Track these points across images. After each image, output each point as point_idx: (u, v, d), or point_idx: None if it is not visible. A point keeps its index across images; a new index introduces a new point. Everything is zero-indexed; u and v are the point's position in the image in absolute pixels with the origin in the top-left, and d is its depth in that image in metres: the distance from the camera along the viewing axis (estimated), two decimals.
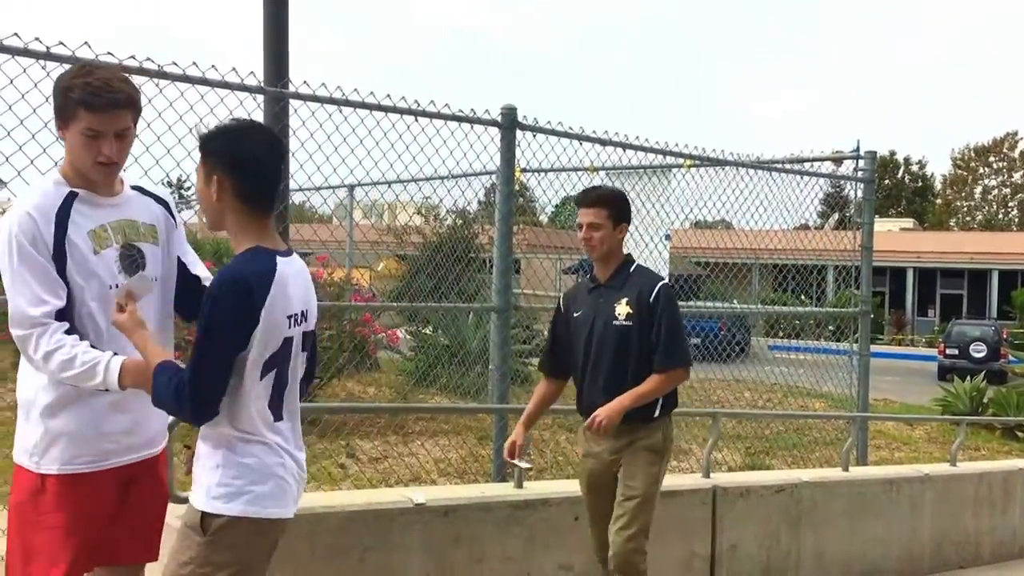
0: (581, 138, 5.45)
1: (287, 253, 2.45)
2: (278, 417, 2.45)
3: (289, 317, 2.38)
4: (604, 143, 5.57)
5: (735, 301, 12.35)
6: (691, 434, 8.74)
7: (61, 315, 2.43)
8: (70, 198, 2.50)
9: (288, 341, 2.41)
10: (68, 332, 2.42)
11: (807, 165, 7.09)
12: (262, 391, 2.38)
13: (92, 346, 2.44)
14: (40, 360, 2.41)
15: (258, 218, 2.41)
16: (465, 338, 10.79)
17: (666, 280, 3.82)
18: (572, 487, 5.03)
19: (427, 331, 12.05)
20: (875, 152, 7.14)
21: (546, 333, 4.36)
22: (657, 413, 3.74)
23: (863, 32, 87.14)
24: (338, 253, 11.42)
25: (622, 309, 3.72)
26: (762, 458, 8.24)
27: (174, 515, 3.31)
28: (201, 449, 2.43)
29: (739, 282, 11.69)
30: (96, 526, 2.57)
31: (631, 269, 3.84)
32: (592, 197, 3.81)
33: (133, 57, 3.91)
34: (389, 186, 6.32)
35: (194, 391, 2.25)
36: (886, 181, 55.75)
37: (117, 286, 2.53)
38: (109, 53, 3.78)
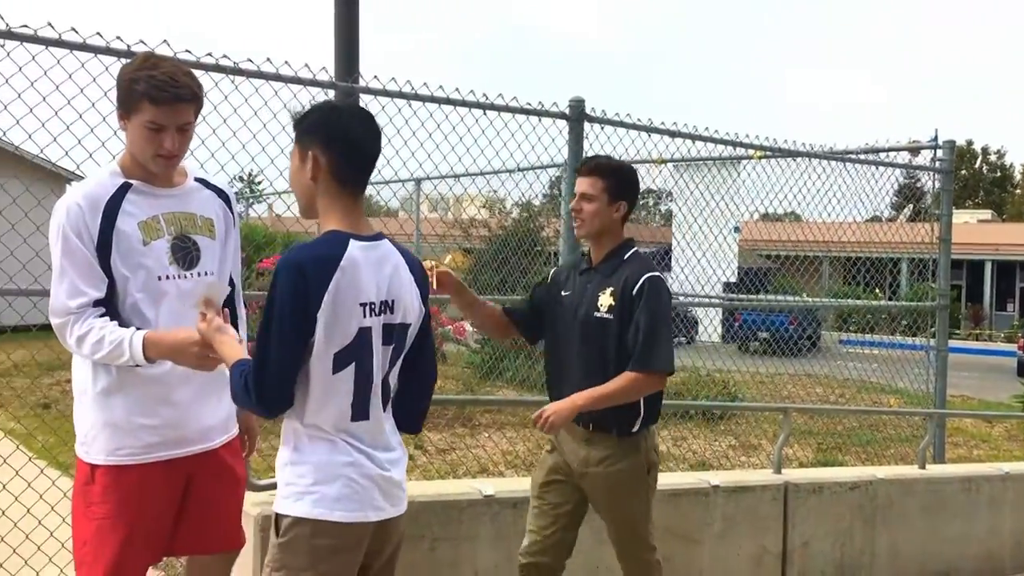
0: (650, 130, 5.39)
1: (373, 238, 2.32)
2: (359, 416, 2.29)
3: (363, 305, 2.24)
4: (673, 134, 5.50)
5: (804, 295, 12.14)
6: (760, 429, 8.62)
7: (99, 306, 2.45)
8: (123, 188, 2.52)
9: (364, 332, 2.25)
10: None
11: (883, 156, 6.91)
12: (339, 386, 2.25)
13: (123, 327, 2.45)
14: (74, 345, 2.45)
15: (348, 199, 2.32)
16: None
17: (656, 272, 3.27)
18: None
19: None
20: (953, 142, 6.93)
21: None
22: (636, 428, 3.28)
23: (934, 18, 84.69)
24: (406, 246, 11.49)
25: (605, 300, 3.25)
26: (834, 454, 8.08)
27: (251, 503, 3.41)
28: (281, 444, 2.36)
29: (809, 276, 11.48)
30: (148, 519, 2.56)
31: (627, 255, 3.33)
32: (589, 165, 3.36)
33: (210, 54, 3.99)
34: (457, 180, 6.32)
35: (257, 381, 2.19)
36: (963, 171, 54.09)
37: (167, 277, 2.54)
38: (187, 50, 3.85)
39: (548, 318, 3.45)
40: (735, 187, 6.93)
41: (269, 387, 2.19)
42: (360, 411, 2.30)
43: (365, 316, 2.25)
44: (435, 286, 3.07)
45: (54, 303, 2.48)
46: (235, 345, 2.34)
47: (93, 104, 3.65)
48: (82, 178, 2.91)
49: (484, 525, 3.93)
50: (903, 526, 5.29)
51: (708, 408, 8.33)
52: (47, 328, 2.68)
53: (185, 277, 2.58)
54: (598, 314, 3.24)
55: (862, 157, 6.85)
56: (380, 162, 4.68)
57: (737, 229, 7.55)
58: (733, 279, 7.58)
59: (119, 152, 2.72)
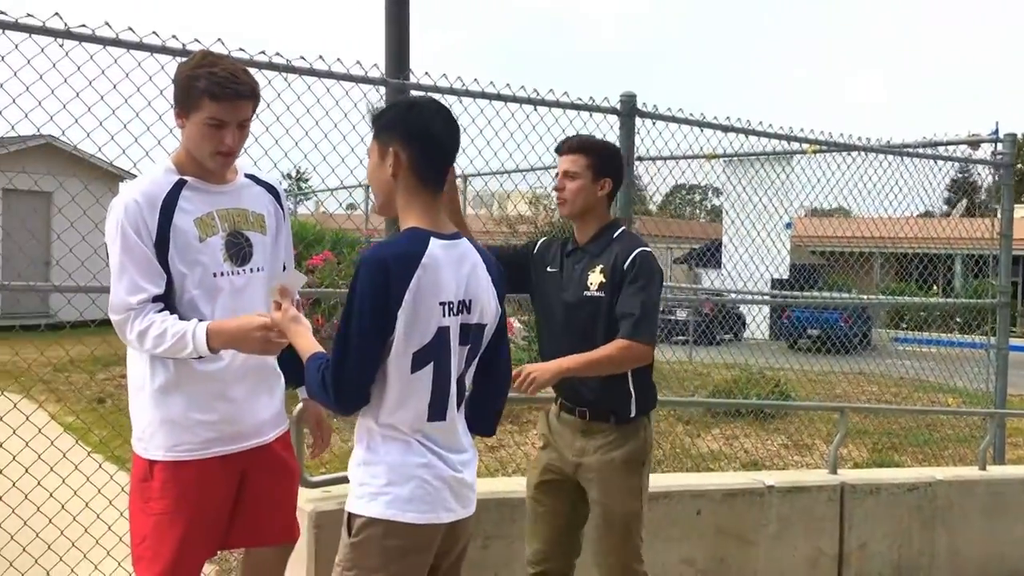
0: (703, 124, 5.32)
1: (452, 236, 2.29)
2: (436, 416, 2.27)
3: (442, 304, 2.21)
4: (727, 129, 5.42)
5: (854, 291, 11.96)
6: (813, 428, 8.48)
7: (158, 302, 2.46)
8: (179, 185, 2.53)
9: (443, 331, 2.23)
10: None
11: (941, 149, 6.75)
12: (416, 385, 2.23)
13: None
14: (135, 340, 2.46)
15: (427, 196, 2.29)
16: None
17: (648, 248, 3.15)
18: (693, 480, 4.97)
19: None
20: (1015, 135, 6.75)
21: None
22: (633, 412, 3.16)
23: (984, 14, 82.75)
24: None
25: (595, 278, 3.12)
26: (890, 455, 7.92)
27: (305, 499, 3.42)
28: (355, 443, 2.34)
29: (860, 272, 11.28)
30: (206, 514, 2.58)
31: (615, 234, 3.20)
32: (573, 142, 3.25)
33: (263, 52, 4.01)
34: (508, 176, 6.31)
35: (335, 377, 2.16)
36: (1019, 165, 52.71)
37: (222, 273, 2.55)
38: (240, 49, 3.88)
39: (538, 292, 3.33)
40: (788, 183, 6.82)
41: (347, 384, 2.18)
42: (437, 411, 2.27)
43: (444, 315, 2.23)
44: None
45: (114, 300, 2.49)
46: (310, 337, 2.33)
47: (149, 103, 3.70)
48: (136, 176, 2.93)
49: None
50: (963, 528, 5.16)
51: (760, 407, 8.21)
52: (105, 324, 2.70)
53: (238, 273, 2.59)
54: (588, 293, 3.12)
55: (920, 151, 6.70)
56: None
57: (789, 225, 7.44)
58: (785, 276, 7.47)
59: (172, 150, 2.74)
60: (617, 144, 4.97)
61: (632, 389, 3.15)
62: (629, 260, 3.07)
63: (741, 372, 9.06)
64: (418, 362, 2.22)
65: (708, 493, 4.39)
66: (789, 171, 6.81)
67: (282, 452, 2.78)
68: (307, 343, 2.31)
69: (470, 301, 2.30)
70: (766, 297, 7.74)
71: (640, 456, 3.17)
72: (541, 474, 3.28)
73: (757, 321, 13.01)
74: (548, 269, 3.28)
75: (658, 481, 4.50)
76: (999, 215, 6.70)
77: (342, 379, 2.17)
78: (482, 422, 2.49)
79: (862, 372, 10.22)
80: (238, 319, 2.46)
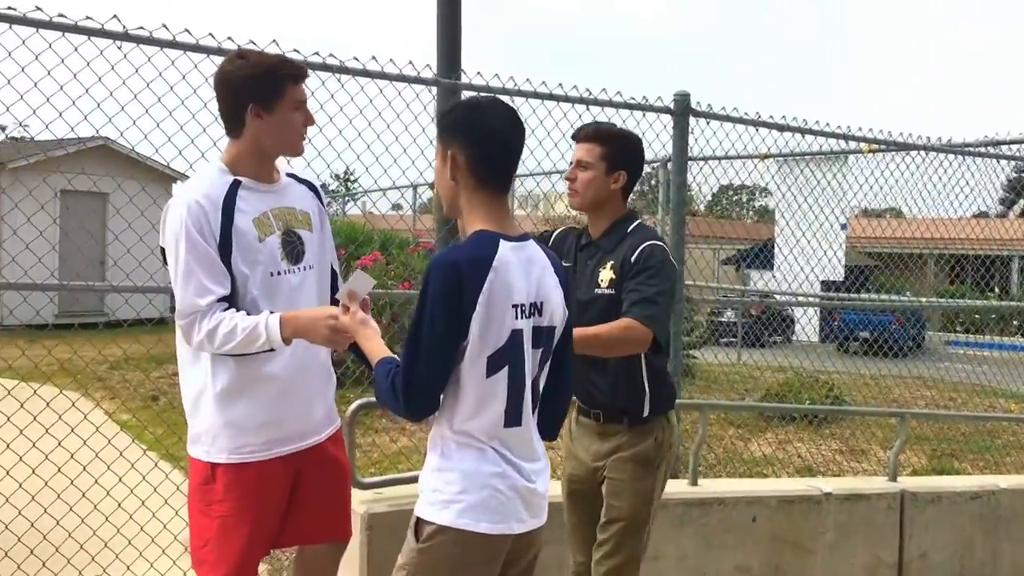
0: (758, 124, 5.22)
1: (521, 239, 2.24)
2: (512, 422, 2.22)
3: (515, 307, 2.17)
4: (782, 128, 5.30)
5: (907, 293, 11.70)
6: (869, 433, 8.30)
7: (223, 302, 2.46)
8: (235, 186, 2.54)
9: (516, 334, 2.18)
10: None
11: (1004, 148, 6.55)
12: (491, 390, 2.18)
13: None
14: (205, 340, 2.44)
15: (491, 199, 2.24)
16: None
17: (660, 241, 2.99)
18: (748, 486, 4.88)
19: None
20: None
21: (704, 323, 3.63)
22: (647, 412, 3.02)
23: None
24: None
25: (606, 274, 2.96)
26: (949, 461, 7.72)
27: (357, 500, 3.41)
28: (428, 450, 2.28)
29: (913, 274, 11.03)
30: (267, 514, 2.59)
31: (629, 228, 3.03)
32: (588, 130, 3.08)
33: (317, 53, 4.02)
34: (562, 176, 6.22)
35: (406, 382, 2.12)
36: None
37: (280, 273, 2.56)
38: (295, 50, 3.89)
39: None
40: (844, 183, 6.68)
41: (418, 389, 2.14)
42: (513, 417, 2.22)
43: (517, 318, 2.18)
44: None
45: (182, 303, 2.48)
46: (379, 340, 2.31)
47: (206, 104, 3.70)
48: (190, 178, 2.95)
49: None
50: None
51: (815, 412, 8.04)
52: (160, 322, 2.72)
53: (294, 272, 2.61)
54: (599, 291, 2.97)
55: (982, 151, 6.51)
56: None
57: (845, 226, 7.30)
58: (840, 278, 7.33)
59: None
60: (670, 144, 4.95)
61: (647, 388, 3.01)
62: (637, 252, 2.92)
63: (794, 375, 8.89)
64: (493, 366, 2.17)
65: (763, 500, 4.31)
66: (846, 171, 6.68)
67: (334, 450, 2.78)
68: (376, 346, 2.29)
69: (541, 303, 2.25)
70: (816, 299, 7.60)
71: (652, 458, 3.02)
72: (568, 484, 3.19)
73: (804, 323, 12.81)
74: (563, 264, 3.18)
75: (712, 487, 4.43)
76: None
77: (413, 384, 2.13)
78: (545, 427, 2.43)
79: (917, 376, 9.99)
80: (308, 309, 2.49)
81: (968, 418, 8.19)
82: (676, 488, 4.29)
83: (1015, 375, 7.20)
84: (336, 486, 2.79)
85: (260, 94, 2.52)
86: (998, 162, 6.55)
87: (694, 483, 4.32)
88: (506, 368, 2.19)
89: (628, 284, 2.90)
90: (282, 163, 2.74)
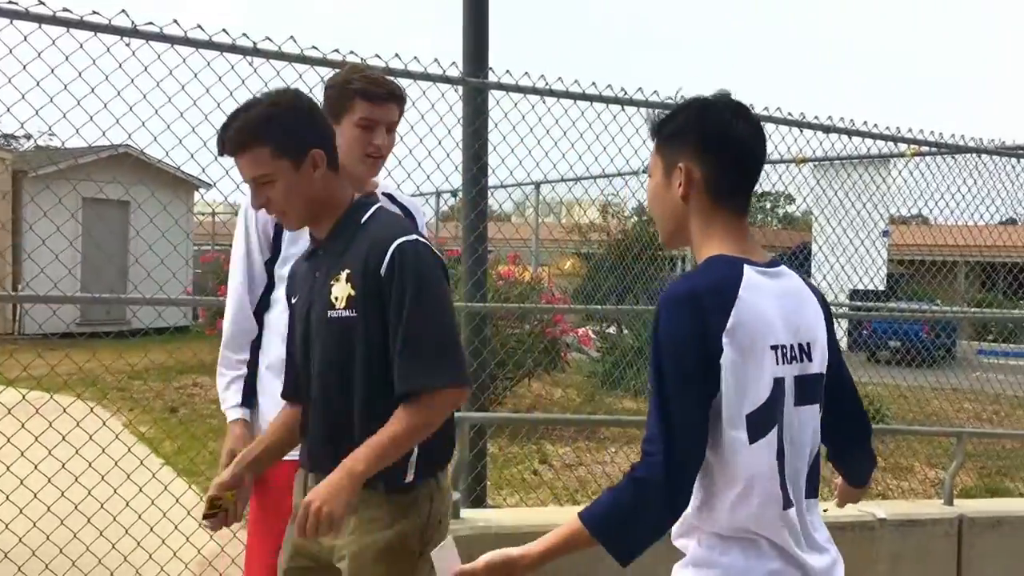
0: (800, 124, 4.96)
1: (771, 264, 1.79)
2: (789, 502, 1.72)
3: (774, 348, 1.71)
4: (827, 129, 5.04)
5: (938, 301, 11.36)
6: (911, 449, 7.97)
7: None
8: None
9: (780, 384, 1.71)
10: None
11: None
12: (758, 460, 1.69)
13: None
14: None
15: (731, 218, 1.80)
16: None
17: (413, 235, 2.11)
18: None
19: (611, 331, 11.79)
20: None
21: None
22: (411, 476, 2.10)
23: None
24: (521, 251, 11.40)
25: (340, 289, 2.09)
26: (1000, 480, 7.39)
27: None
28: (681, 538, 1.81)
29: (944, 282, 10.71)
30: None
31: (364, 217, 2.16)
32: (236, 137, 2.09)
33: (336, 50, 3.82)
34: (577, 182, 5.96)
35: (669, 454, 1.62)
36: None
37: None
38: (314, 47, 3.72)
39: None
40: (885, 188, 6.40)
41: (682, 470, 1.64)
42: (788, 495, 1.72)
43: (778, 363, 1.71)
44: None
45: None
46: (542, 540, 1.76)
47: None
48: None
49: None
50: None
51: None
52: (183, 329, 2.63)
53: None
54: (334, 312, 2.08)
55: None
56: (494, 162, 4.49)
57: (887, 233, 7.02)
58: (882, 287, 7.05)
59: None
60: None
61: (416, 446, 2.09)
62: (386, 262, 2.05)
63: None
64: (756, 428, 1.68)
65: None
66: (886, 175, 6.40)
67: None
68: (551, 535, 1.75)
69: (808, 344, 1.78)
70: (846, 310, 7.32)
71: (411, 542, 2.10)
72: (290, 559, 2.22)
73: (839, 332, 12.47)
74: (293, 299, 2.32)
75: None
76: None
77: (675, 470, 1.63)
78: (855, 473, 2.08)
79: (955, 388, 9.66)
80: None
81: None
82: None
83: None
84: None
85: (329, 108, 2.52)
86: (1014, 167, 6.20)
87: None
88: (775, 430, 1.71)
89: (394, 319, 2.05)
90: (386, 183, 2.80)
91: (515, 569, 1.74)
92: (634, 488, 1.65)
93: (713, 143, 1.78)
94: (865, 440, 2.04)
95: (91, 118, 3.40)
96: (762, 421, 1.68)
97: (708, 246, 1.79)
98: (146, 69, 3.44)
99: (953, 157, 5.99)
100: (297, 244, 2.51)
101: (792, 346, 1.74)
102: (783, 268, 1.81)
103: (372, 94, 2.46)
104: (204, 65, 3.52)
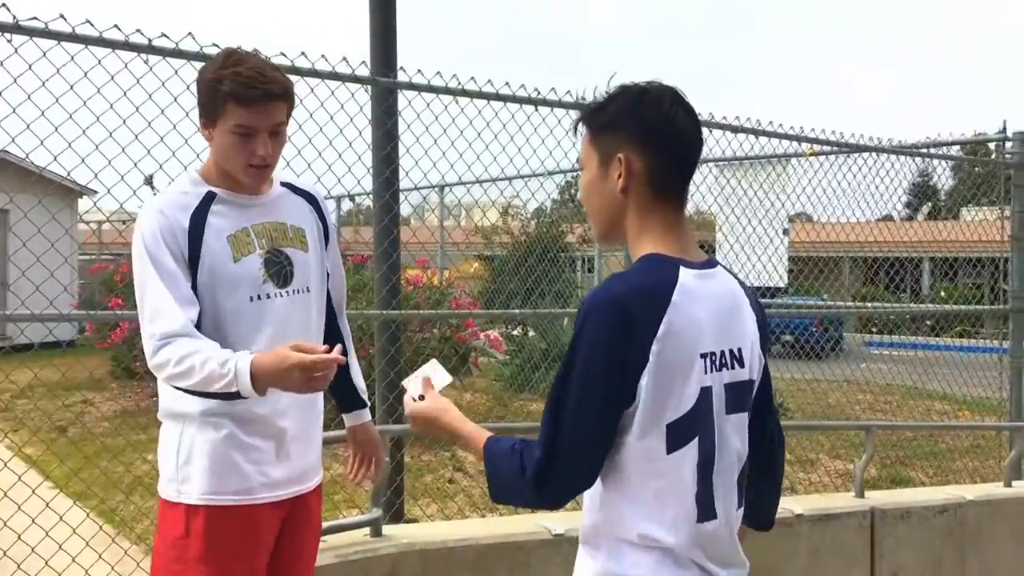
0: (710, 125, 5.00)
1: (705, 265, 1.71)
2: (706, 514, 1.66)
3: (703, 356, 1.64)
4: (736, 130, 5.10)
5: (825, 296, 11.76)
6: (816, 442, 8.18)
7: (189, 329, 2.09)
8: (208, 198, 2.20)
9: (706, 393, 1.64)
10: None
11: (945, 150, 6.49)
12: (676, 472, 1.64)
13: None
14: (168, 372, 2.07)
15: (669, 213, 1.71)
16: (562, 340, 10.42)
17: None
18: None
19: (514, 333, 11.75)
20: None
21: None
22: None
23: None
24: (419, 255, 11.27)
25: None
26: (902, 470, 7.64)
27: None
28: (584, 547, 1.75)
29: (829, 277, 11.11)
30: (250, 566, 2.25)
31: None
32: None
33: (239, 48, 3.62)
34: (484, 183, 5.90)
35: (546, 463, 1.61)
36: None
37: (264, 296, 2.22)
38: (214, 44, 3.50)
39: None
40: (780, 187, 6.53)
41: (563, 473, 1.61)
42: (707, 507, 1.66)
43: (706, 372, 1.65)
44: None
45: (143, 327, 2.12)
46: (468, 421, 1.84)
47: (163, 111, 3.49)
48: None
49: (554, 566, 3.53)
50: (994, 551, 4.86)
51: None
52: (71, 345, 2.34)
53: (280, 296, 2.26)
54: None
55: (923, 151, 6.43)
56: (407, 164, 4.36)
57: (786, 231, 7.17)
58: (783, 284, 7.20)
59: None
60: None
61: None
62: None
63: None
64: (676, 438, 1.62)
65: None
66: (780, 172, 6.53)
67: (315, 505, 2.45)
68: (473, 427, 1.81)
69: (739, 350, 1.71)
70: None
71: None
72: None
73: None
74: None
75: None
76: (1008, 215, 6.44)
77: (555, 465, 1.61)
78: (758, 513, 1.92)
79: (849, 380, 9.98)
80: (273, 355, 2.04)
81: (934, 428, 8.16)
82: None
83: (939, 375, 7.12)
84: (311, 546, 2.48)
85: (203, 108, 2.19)
86: (892, 165, 6.43)
87: None
88: (695, 441, 1.64)
89: None
90: (280, 171, 2.40)
91: (433, 426, 1.87)
92: (519, 475, 1.65)
93: (654, 132, 1.70)
94: (776, 466, 1.94)
95: None
96: (683, 431, 1.63)
97: (644, 243, 1.71)
98: (30, 67, 3.19)
99: (854, 157, 6.14)
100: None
101: (723, 352, 1.68)
102: (719, 269, 1.75)
103: (246, 98, 2.11)
104: (95, 63, 3.28)
